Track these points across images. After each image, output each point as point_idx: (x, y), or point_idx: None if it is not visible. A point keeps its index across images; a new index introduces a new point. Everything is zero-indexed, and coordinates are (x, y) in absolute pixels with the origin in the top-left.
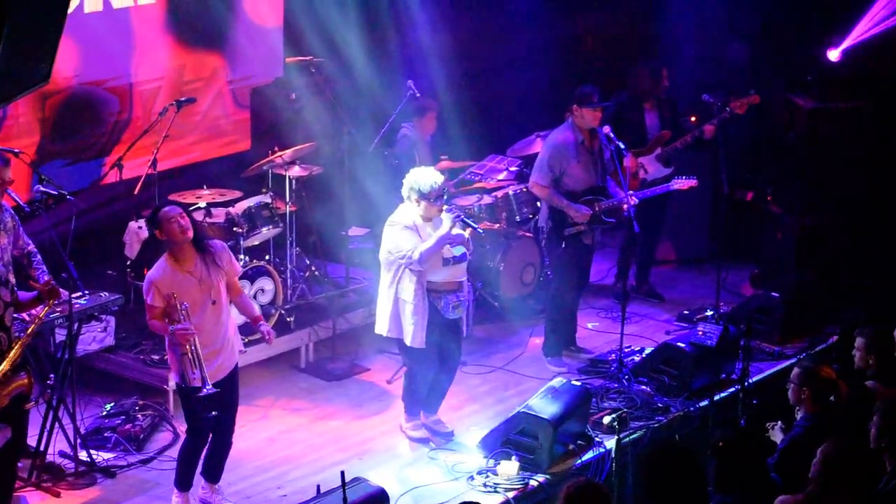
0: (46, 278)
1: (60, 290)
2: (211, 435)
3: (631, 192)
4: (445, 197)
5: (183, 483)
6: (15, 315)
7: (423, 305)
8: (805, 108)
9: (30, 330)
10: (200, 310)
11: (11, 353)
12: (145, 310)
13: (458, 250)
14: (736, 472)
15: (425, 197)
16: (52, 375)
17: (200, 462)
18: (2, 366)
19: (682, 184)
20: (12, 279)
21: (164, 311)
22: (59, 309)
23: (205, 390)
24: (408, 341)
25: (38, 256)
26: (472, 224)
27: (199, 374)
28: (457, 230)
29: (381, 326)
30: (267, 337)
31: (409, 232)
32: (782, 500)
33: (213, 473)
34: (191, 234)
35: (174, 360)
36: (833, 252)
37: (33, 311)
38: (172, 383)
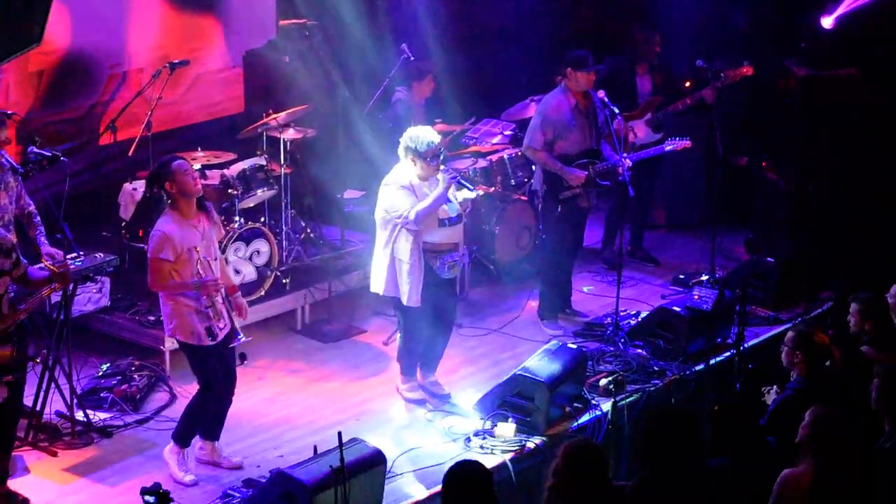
0: (45, 241)
1: (70, 276)
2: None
3: (625, 154)
4: (442, 157)
5: (184, 438)
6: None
7: (419, 265)
8: (799, 75)
9: (28, 306)
10: (206, 265)
11: (1, 324)
12: (151, 269)
13: (454, 210)
14: (730, 436)
15: (421, 156)
16: (44, 350)
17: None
18: None
19: (676, 145)
20: (13, 238)
21: (173, 267)
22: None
23: (238, 340)
24: (404, 300)
25: (38, 217)
26: (468, 185)
27: (228, 324)
28: (453, 191)
29: (377, 285)
30: (241, 311)
31: (405, 192)
32: (786, 473)
33: (214, 431)
34: (200, 188)
35: (182, 319)
36: (828, 217)
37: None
38: (170, 344)
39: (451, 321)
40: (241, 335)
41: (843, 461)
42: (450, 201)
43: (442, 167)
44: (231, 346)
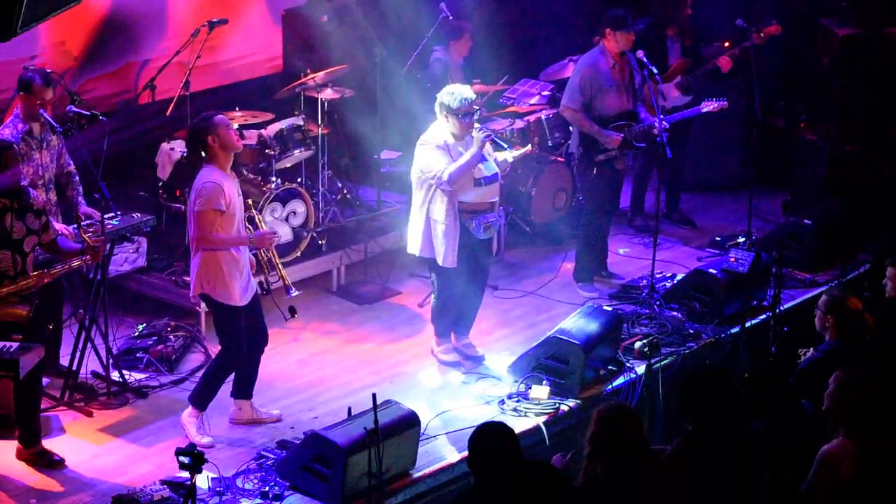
0: (83, 201)
1: (103, 251)
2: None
3: (661, 116)
4: (477, 115)
5: (202, 401)
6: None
7: (455, 225)
8: (839, 34)
9: (53, 272)
10: (240, 223)
11: (23, 282)
12: (200, 222)
13: (490, 170)
14: (764, 400)
15: (454, 113)
16: (80, 310)
17: (231, 382)
18: (6, 288)
19: (712, 105)
20: (53, 197)
21: (220, 221)
22: (91, 230)
23: (290, 293)
24: (440, 261)
25: (77, 177)
26: (504, 144)
27: (279, 278)
28: (490, 150)
29: (414, 246)
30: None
31: (440, 151)
32: (825, 451)
33: (246, 390)
34: (241, 144)
35: (220, 278)
36: (866, 179)
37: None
38: (204, 305)
39: (484, 282)
40: (293, 289)
41: (878, 427)
42: (485, 160)
43: (477, 126)
44: (285, 297)
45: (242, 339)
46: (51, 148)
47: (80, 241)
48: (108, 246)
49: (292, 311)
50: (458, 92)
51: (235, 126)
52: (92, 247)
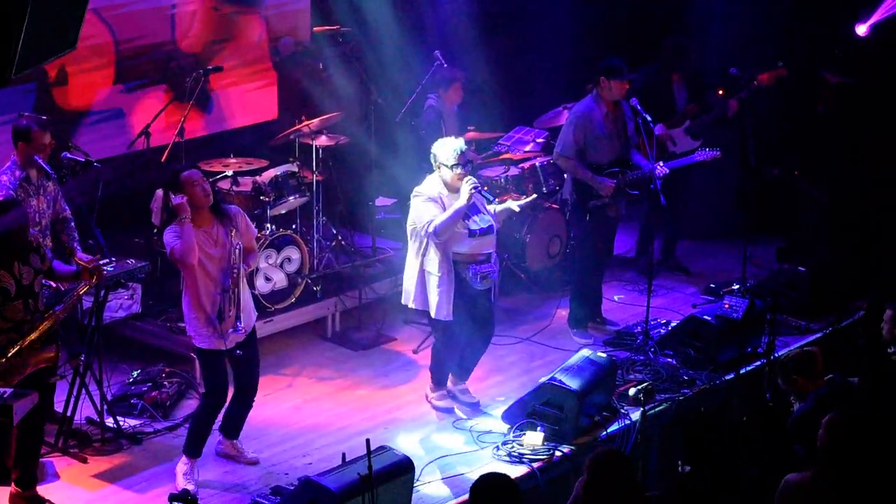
0: (79, 247)
1: (104, 270)
2: (233, 395)
3: (661, 162)
4: (470, 166)
5: (194, 450)
6: (45, 283)
7: (449, 278)
8: (833, 83)
9: (66, 306)
10: (217, 272)
11: (43, 325)
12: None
13: (485, 222)
14: (759, 445)
15: (447, 164)
16: (83, 356)
17: (218, 422)
18: (31, 335)
19: (706, 155)
20: (49, 243)
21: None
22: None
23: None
24: (432, 313)
25: (73, 223)
26: (489, 197)
27: (234, 313)
28: (491, 205)
29: (408, 297)
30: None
31: (431, 203)
32: (790, 478)
33: (235, 430)
34: (211, 199)
35: (194, 321)
36: (861, 227)
37: (69, 286)
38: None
39: (490, 330)
40: (241, 325)
41: (847, 467)
42: (479, 212)
43: (467, 178)
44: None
45: (221, 383)
46: (47, 194)
47: (72, 263)
48: (102, 291)
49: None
50: (449, 143)
51: (230, 173)
52: (87, 268)
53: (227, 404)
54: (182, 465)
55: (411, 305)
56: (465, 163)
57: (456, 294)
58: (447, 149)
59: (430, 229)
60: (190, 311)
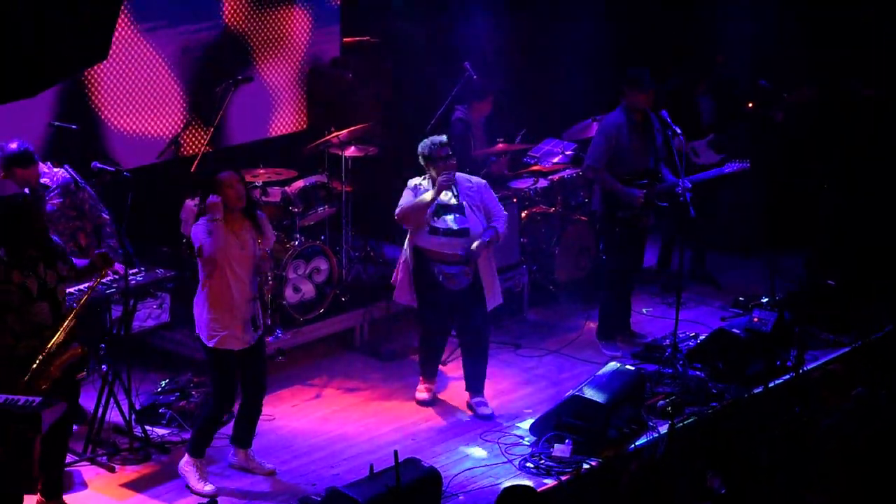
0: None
1: (113, 259)
2: (242, 402)
3: (683, 178)
4: (454, 161)
5: (197, 449)
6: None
7: (408, 264)
8: (864, 95)
9: (83, 300)
10: (243, 276)
11: (65, 323)
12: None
13: (458, 223)
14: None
15: (428, 158)
16: (102, 346)
17: (231, 430)
18: (55, 337)
19: (735, 168)
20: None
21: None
22: (115, 285)
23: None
24: (394, 294)
25: (107, 229)
26: (454, 192)
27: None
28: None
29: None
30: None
31: (408, 191)
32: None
33: (247, 439)
34: (244, 202)
35: (209, 323)
36: (891, 241)
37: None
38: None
39: (477, 338)
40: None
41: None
42: (454, 213)
43: (441, 174)
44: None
45: (232, 384)
46: (78, 203)
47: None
48: (131, 302)
49: (280, 352)
50: (429, 139)
51: (259, 184)
52: (99, 258)
53: (236, 414)
54: (188, 466)
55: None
56: (445, 155)
57: (427, 287)
58: (426, 143)
59: (396, 213)
60: (206, 312)
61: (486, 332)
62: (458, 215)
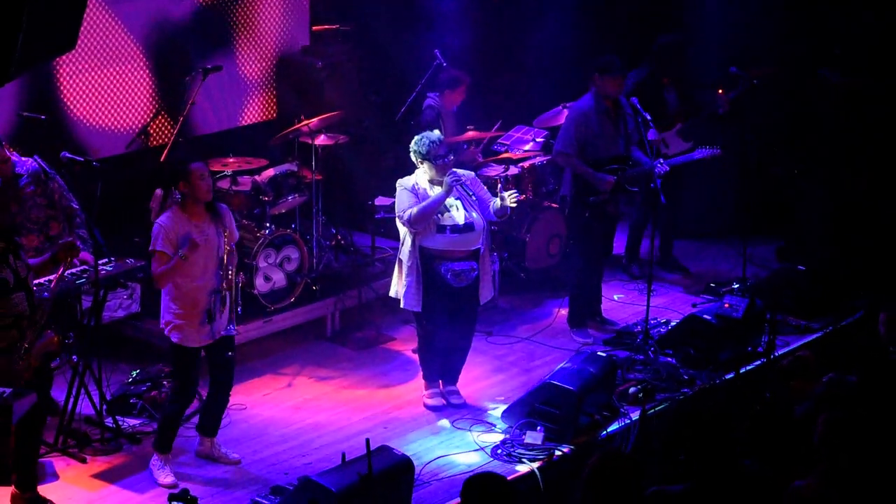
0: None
1: (82, 248)
2: (209, 393)
3: (661, 160)
4: (451, 158)
5: (161, 446)
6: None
7: (417, 269)
8: (833, 82)
9: (53, 291)
10: (203, 269)
11: (38, 316)
12: (152, 261)
13: (463, 219)
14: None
15: (425, 157)
16: (70, 334)
17: (197, 419)
18: (31, 331)
19: (706, 153)
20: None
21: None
22: (85, 275)
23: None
24: (401, 303)
25: (77, 220)
26: (469, 192)
27: (225, 314)
28: (496, 200)
29: (392, 288)
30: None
31: (408, 193)
32: (797, 485)
33: (212, 428)
34: (211, 195)
35: (174, 320)
36: (862, 226)
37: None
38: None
39: (467, 332)
40: (234, 326)
41: (850, 469)
42: (463, 210)
43: (450, 171)
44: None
45: (193, 380)
46: (47, 192)
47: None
48: (101, 292)
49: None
50: (425, 136)
51: (229, 172)
52: (61, 248)
53: (203, 402)
54: (155, 461)
55: (392, 294)
56: (444, 153)
57: (430, 289)
58: (424, 142)
59: (406, 216)
60: (170, 305)
61: (474, 327)
62: (460, 211)
